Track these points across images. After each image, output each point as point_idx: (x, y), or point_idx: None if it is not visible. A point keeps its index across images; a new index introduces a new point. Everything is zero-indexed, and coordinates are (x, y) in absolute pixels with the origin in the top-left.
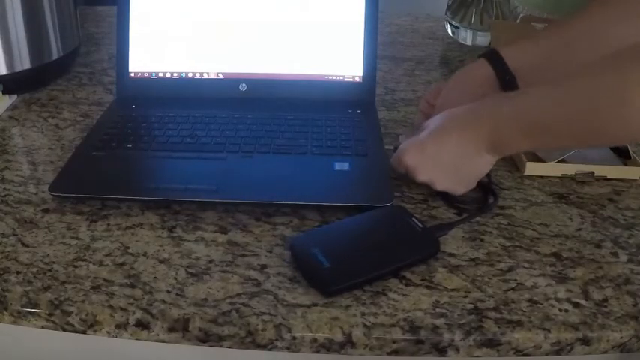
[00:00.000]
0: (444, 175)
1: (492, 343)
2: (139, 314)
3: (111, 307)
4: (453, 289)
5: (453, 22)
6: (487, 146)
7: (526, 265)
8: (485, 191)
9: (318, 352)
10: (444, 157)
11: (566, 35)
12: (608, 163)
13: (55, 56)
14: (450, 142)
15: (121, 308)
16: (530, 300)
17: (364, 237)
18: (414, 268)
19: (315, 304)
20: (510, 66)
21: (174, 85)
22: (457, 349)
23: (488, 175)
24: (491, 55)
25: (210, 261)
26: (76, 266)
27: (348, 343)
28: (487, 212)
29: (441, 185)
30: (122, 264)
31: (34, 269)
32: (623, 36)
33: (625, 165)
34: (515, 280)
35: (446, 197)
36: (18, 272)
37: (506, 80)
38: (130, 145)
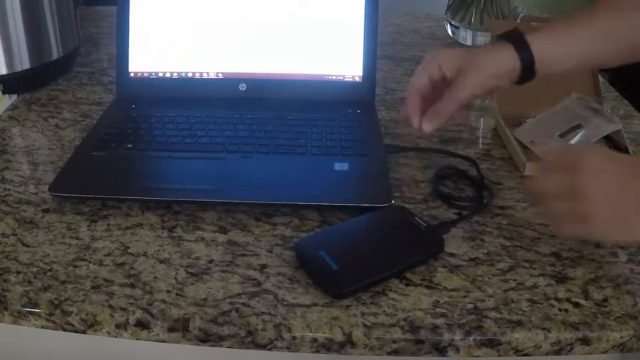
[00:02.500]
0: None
1: (492, 343)
2: (139, 314)
3: (111, 307)
4: (453, 289)
5: (453, 22)
6: None
7: (526, 265)
8: (479, 189)
9: (318, 352)
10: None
11: (598, 25)
12: None
13: (55, 56)
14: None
15: (121, 308)
16: (530, 300)
17: (369, 237)
18: (415, 268)
19: (315, 304)
20: (536, 56)
21: (174, 85)
22: (457, 349)
23: (478, 171)
24: (521, 45)
25: (210, 261)
26: (76, 266)
27: (348, 343)
28: (486, 208)
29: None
30: (122, 264)
31: (34, 269)
32: None
33: None
34: (515, 280)
35: (444, 196)
36: (18, 272)
37: (527, 73)
38: (130, 145)
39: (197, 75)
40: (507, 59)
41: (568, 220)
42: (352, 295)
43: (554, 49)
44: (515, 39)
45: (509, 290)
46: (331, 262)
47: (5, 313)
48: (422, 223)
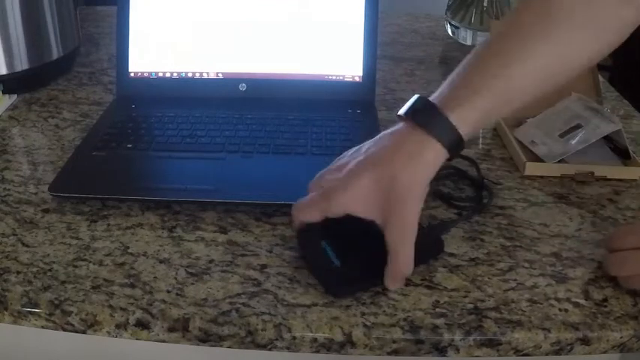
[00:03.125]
0: None
1: (492, 343)
2: (139, 314)
3: (111, 307)
4: (453, 289)
5: (453, 22)
6: None
7: (526, 265)
8: (479, 188)
9: (318, 352)
10: None
11: (531, 77)
12: (608, 163)
13: (55, 56)
14: None
15: (121, 308)
16: (530, 300)
17: (372, 234)
18: (415, 267)
19: (315, 304)
20: (464, 133)
21: (174, 85)
22: (457, 349)
23: (478, 171)
24: (448, 136)
25: (210, 261)
26: (76, 266)
27: (348, 343)
28: (485, 208)
29: None
30: (122, 264)
31: (34, 269)
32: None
33: (625, 165)
34: (515, 280)
35: (444, 196)
36: (18, 272)
37: (456, 154)
38: (130, 145)
39: (197, 75)
40: (436, 161)
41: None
42: (351, 295)
43: (484, 121)
44: (439, 128)
45: (509, 290)
46: (333, 257)
47: (5, 313)
48: (422, 222)
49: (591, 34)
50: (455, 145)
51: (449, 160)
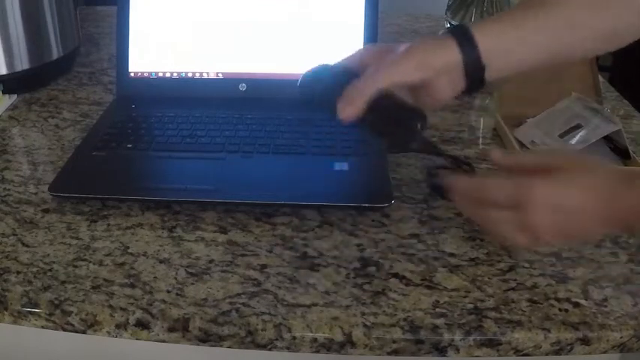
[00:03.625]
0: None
1: (492, 343)
2: (139, 314)
3: (111, 307)
4: (453, 289)
5: (453, 22)
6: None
7: (526, 265)
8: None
9: (318, 352)
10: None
11: (560, 13)
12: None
13: (55, 56)
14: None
15: (121, 308)
16: (530, 300)
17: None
18: (414, 267)
19: (315, 304)
20: (482, 50)
21: (174, 85)
22: (457, 349)
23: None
24: (464, 39)
25: (210, 261)
26: (76, 266)
27: (348, 343)
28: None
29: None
30: (122, 264)
31: (34, 269)
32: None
33: (625, 165)
34: (515, 280)
35: (437, 188)
36: (18, 272)
37: (474, 72)
38: (130, 145)
39: (197, 75)
40: (446, 51)
41: (508, 232)
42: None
43: (503, 37)
44: (459, 34)
45: (509, 290)
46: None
47: (5, 313)
48: (421, 126)
49: (611, 12)
50: (469, 49)
51: (470, 79)
